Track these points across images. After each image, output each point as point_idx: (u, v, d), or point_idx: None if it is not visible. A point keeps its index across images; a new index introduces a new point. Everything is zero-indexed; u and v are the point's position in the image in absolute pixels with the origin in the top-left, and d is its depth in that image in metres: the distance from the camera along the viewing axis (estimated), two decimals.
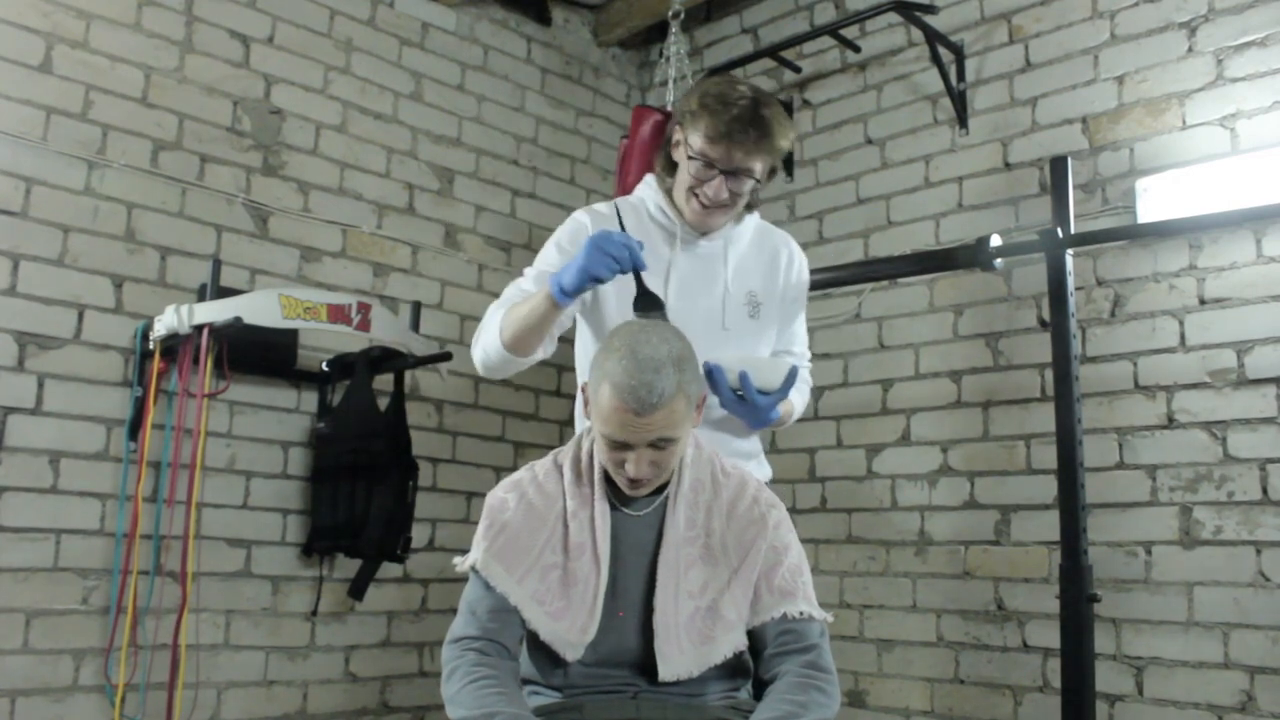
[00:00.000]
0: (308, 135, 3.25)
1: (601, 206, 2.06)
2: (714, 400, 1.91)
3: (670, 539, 1.65)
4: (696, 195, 1.92)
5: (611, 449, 1.58)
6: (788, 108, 3.73)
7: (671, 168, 1.99)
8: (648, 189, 2.05)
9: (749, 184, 1.91)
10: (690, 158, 1.90)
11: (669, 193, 2.00)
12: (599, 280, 1.71)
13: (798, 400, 2.10)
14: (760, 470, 2.08)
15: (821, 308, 3.54)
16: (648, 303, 1.74)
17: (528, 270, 2.01)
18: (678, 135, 1.95)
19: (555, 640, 1.61)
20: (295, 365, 3.10)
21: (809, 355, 2.21)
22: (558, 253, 1.98)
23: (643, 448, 1.56)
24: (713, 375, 1.86)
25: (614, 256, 1.69)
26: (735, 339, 1.99)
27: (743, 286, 2.03)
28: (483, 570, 1.63)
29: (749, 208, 2.04)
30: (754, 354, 1.99)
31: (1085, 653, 2.42)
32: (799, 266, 2.13)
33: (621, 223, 1.94)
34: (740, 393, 1.87)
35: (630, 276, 1.75)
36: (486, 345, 1.92)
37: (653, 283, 1.89)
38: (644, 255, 1.82)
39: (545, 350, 1.96)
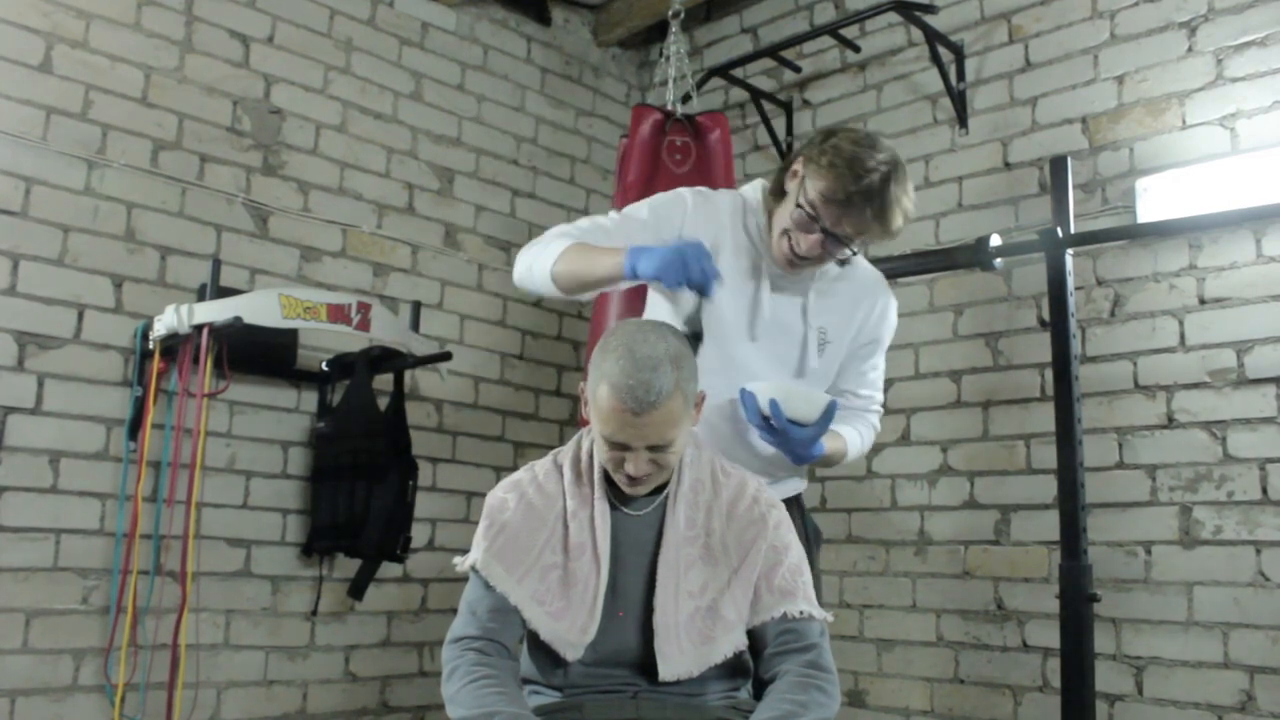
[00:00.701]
0: (308, 135, 3.25)
1: (709, 191, 2.01)
2: (755, 434, 1.88)
3: (670, 539, 1.65)
4: (789, 238, 1.86)
5: (610, 449, 1.59)
6: (787, 107, 3.73)
7: (780, 194, 1.91)
8: (756, 200, 1.97)
9: (848, 251, 1.86)
10: (798, 204, 1.83)
11: (770, 215, 1.93)
12: (662, 282, 1.68)
13: (854, 440, 2.04)
14: (794, 484, 2.07)
15: None
16: (691, 329, 1.72)
17: (613, 213, 1.97)
18: (798, 167, 1.86)
19: (555, 640, 1.61)
20: (295, 365, 3.09)
21: (880, 399, 2.13)
22: (649, 211, 1.94)
23: (641, 448, 1.56)
24: (744, 401, 1.83)
25: (690, 276, 1.67)
26: (808, 381, 1.96)
27: (816, 321, 1.97)
28: (483, 570, 1.63)
29: (841, 262, 1.96)
30: (806, 389, 1.92)
31: (1085, 653, 2.43)
32: (881, 312, 2.05)
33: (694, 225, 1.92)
34: (771, 420, 1.83)
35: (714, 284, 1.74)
36: (536, 267, 1.89)
37: (738, 314, 1.89)
38: (729, 273, 1.82)
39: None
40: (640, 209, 1.96)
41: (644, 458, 1.57)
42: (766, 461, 1.95)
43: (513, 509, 1.67)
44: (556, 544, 1.65)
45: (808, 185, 1.82)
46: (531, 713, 1.53)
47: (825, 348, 1.98)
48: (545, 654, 1.64)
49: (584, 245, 1.85)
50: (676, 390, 1.54)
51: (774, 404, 1.81)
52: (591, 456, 1.69)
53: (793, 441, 1.85)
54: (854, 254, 1.88)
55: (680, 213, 1.95)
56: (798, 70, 3.70)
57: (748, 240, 1.96)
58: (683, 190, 1.99)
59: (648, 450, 1.56)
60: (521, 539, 1.64)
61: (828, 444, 1.93)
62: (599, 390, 1.55)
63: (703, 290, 1.70)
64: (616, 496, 1.68)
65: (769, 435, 1.86)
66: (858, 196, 1.76)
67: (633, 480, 1.60)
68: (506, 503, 1.68)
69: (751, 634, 1.66)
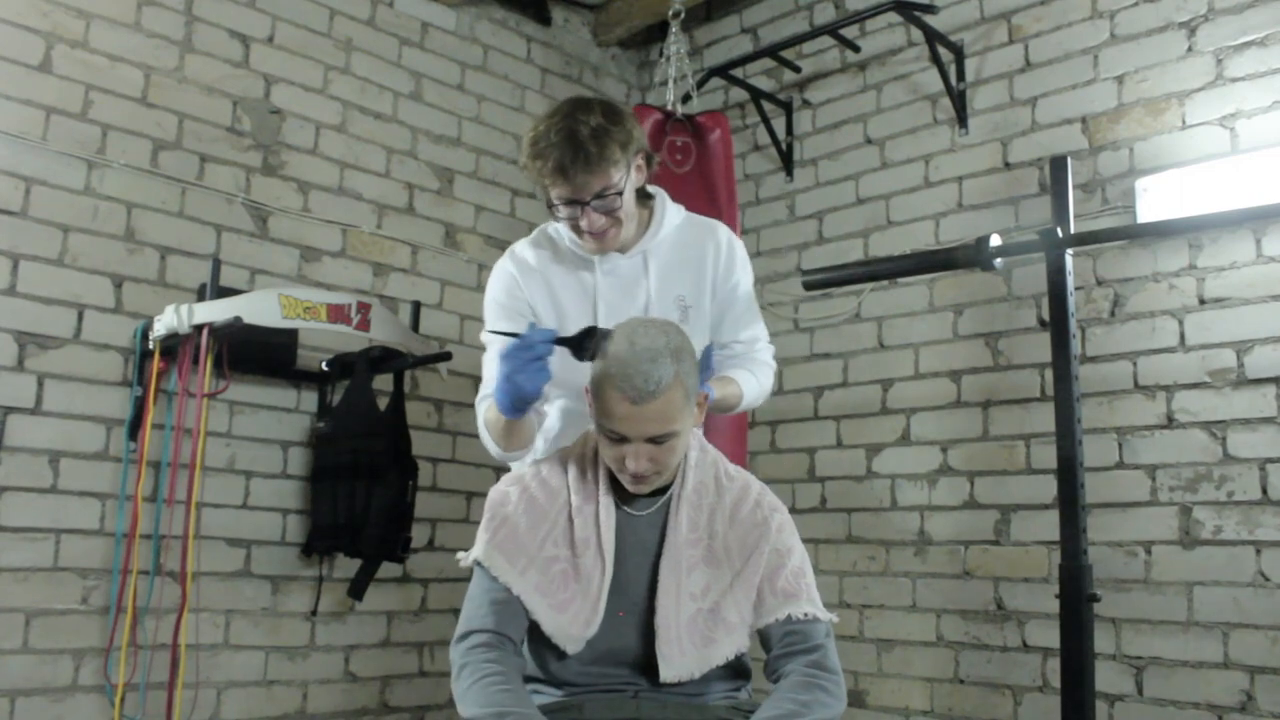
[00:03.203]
0: (308, 135, 3.25)
1: (525, 250, 2.01)
2: None
3: (673, 540, 1.66)
4: (576, 229, 1.89)
5: (612, 443, 1.59)
6: (787, 107, 3.73)
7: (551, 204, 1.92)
8: (551, 215, 1.97)
9: (616, 199, 1.84)
10: (551, 206, 1.87)
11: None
12: (543, 386, 1.69)
13: (749, 381, 2.00)
14: None
15: (821, 308, 3.54)
16: (586, 341, 1.67)
17: (485, 336, 2.00)
18: (529, 173, 1.89)
19: (557, 633, 1.61)
20: (295, 365, 3.09)
21: (764, 338, 2.11)
22: (502, 313, 1.96)
23: (642, 442, 1.56)
24: None
25: (533, 361, 1.66)
26: None
27: (669, 294, 1.97)
28: (485, 562, 1.64)
29: (644, 199, 1.96)
30: None
31: (1085, 653, 2.42)
32: (727, 253, 2.03)
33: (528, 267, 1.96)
34: None
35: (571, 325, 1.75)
36: (495, 451, 1.96)
37: (581, 314, 1.90)
38: (569, 284, 1.88)
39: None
40: (494, 316, 1.99)
41: (644, 452, 1.57)
42: None
43: (514, 502, 1.68)
44: (560, 538, 1.65)
45: (543, 185, 1.86)
46: (539, 712, 1.53)
47: (688, 312, 1.97)
48: (545, 648, 1.64)
49: (490, 413, 1.88)
50: (676, 382, 1.55)
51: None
52: (596, 454, 1.69)
53: None
54: (621, 194, 1.84)
55: (516, 286, 1.98)
56: (798, 70, 3.70)
57: (570, 255, 1.98)
58: (503, 265, 2.02)
59: (648, 444, 1.57)
60: (523, 532, 1.65)
61: (716, 389, 1.88)
62: (599, 382, 1.57)
63: (553, 342, 1.68)
64: (620, 496, 1.68)
65: None
66: (563, 161, 1.77)
67: (635, 477, 1.60)
68: (509, 496, 1.69)
69: (757, 637, 1.66)
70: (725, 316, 2.05)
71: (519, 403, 1.71)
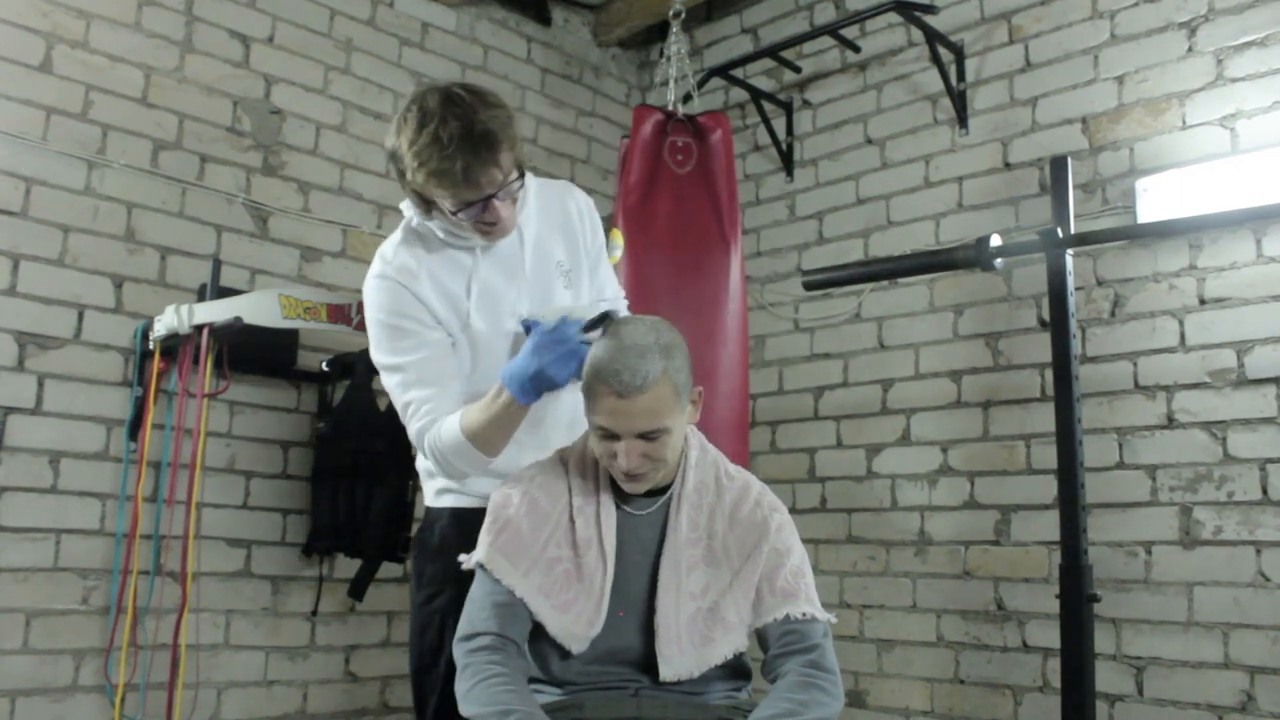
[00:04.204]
0: (308, 135, 3.24)
1: (400, 255, 1.88)
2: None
3: (673, 540, 1.66)
4: (481, 226, 1.80)
5: (603, 439, 1.60)
6: (787, 108, 3.73)
7: (429, 205, 1.81)
8: (428, 218, 1.85)
9: (516, 184, 1.78)
10: (454, 212, 1.76)
11: (442, 213, 1.81)
12: (571, 374, 1.68)
13: None
14: None
15: (821, 308, 3.54)
16: (598, 325, 1.68)
17: (387, 367, 1.86)
18: (420, 189, 1.77)
19: (561, 633, 1.61)
20: (295, 365, 3.09)
21: (623, 293, 2.13)
22: (398, 333, 1.83)
23: (632, 438, 1.57)
24: (529, 329, 1.74)
25: (567, 352, 1.66)
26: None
27: (549, 261, 1.94)
28: (488, 564, 1.64)
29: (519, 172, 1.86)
30: (569, 304, 1.89)
31: (1085, 653, 2.42)
32: (589, 212, 2.03)
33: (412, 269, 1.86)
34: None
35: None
36: (465, 466, 1.81)
37: (460, 295, 1.85)
38: (448, 272, 1.82)
39: None
40: (392, 338, 1.84)
41: (636, 448, 1.57)
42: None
43: (516, 504, 1.68)
44: (562, 539, 1.66)
45: (441, 202, 1.77)
46: (543, 712, 1.53)
47: (570, 277, 1.96)
48: (547, 648, 1.64)
49: (471, 419, 1.76)
50: (664, 377, 1.56)
51: (564, 320, 1.72)
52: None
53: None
54: (521, 178, 1.80)
55: (407, 296, 1.85)
56: (798, 70, 3.70)
57: (449, 247, 1.89)
58: (386, 275, 1.86)
59: (639, 440, 1.57)
60: (525, 534, 1.65)
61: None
62: (589, 378, 1.58)
63: (578, 328, 1.67)
64: (620, 495, 1.69)
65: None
66: (471, 167, 1.69)
67: (629, 476, 1.61)
68: (510, 498, 1.69)
69: (755, 636, 1.66)
70: (594, 275, 2.05)
71: (545, 390, 1.70)
